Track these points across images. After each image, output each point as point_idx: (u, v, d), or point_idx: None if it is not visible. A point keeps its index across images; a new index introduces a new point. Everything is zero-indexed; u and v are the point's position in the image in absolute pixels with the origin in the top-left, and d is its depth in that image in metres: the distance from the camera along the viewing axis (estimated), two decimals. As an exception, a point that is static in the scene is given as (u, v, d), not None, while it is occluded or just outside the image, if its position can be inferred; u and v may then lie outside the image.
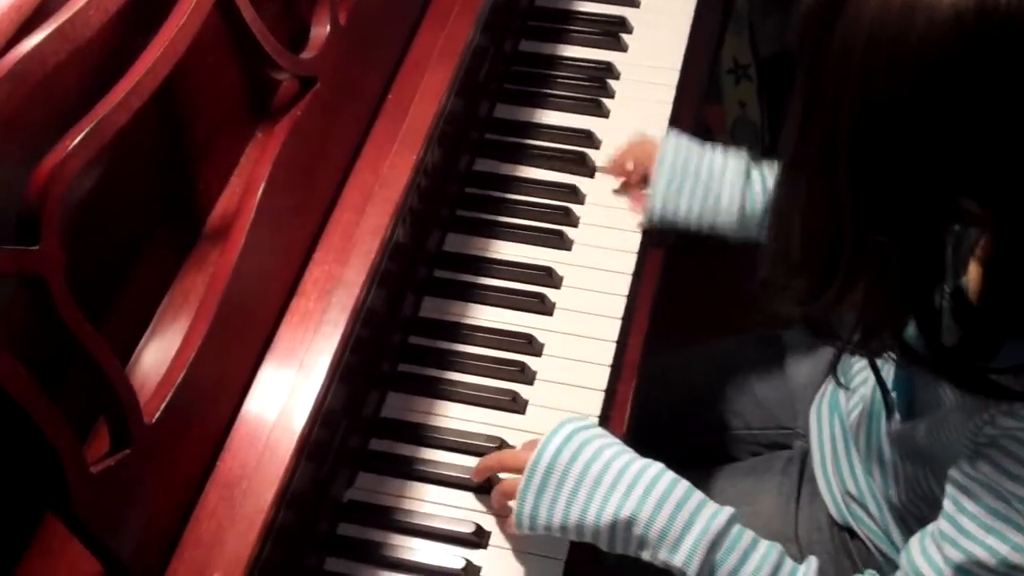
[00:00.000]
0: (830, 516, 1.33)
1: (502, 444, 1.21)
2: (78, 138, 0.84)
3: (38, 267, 0.81)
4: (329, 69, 1.14)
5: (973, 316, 0.94)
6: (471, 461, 1.20)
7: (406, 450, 1.22)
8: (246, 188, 1.07)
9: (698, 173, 1.34)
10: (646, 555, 1.07)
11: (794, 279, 0.95)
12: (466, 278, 1.35)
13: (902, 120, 0.81)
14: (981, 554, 0.96)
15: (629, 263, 1.36)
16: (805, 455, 1.39)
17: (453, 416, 1.25)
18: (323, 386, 1.04)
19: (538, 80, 1.55)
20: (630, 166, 1.42)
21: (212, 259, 1.08)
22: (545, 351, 1.30)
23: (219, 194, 1.13)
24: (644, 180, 1.40)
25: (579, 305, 1.33)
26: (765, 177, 1.35)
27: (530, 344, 1.29)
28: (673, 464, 1.10)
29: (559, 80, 1.54)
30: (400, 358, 1.28)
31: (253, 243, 1.04)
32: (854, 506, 1.30)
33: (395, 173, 1.18)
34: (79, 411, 0.90)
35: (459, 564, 1.14)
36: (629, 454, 1.10)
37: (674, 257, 1.43)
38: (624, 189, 1.43)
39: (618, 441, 1.12)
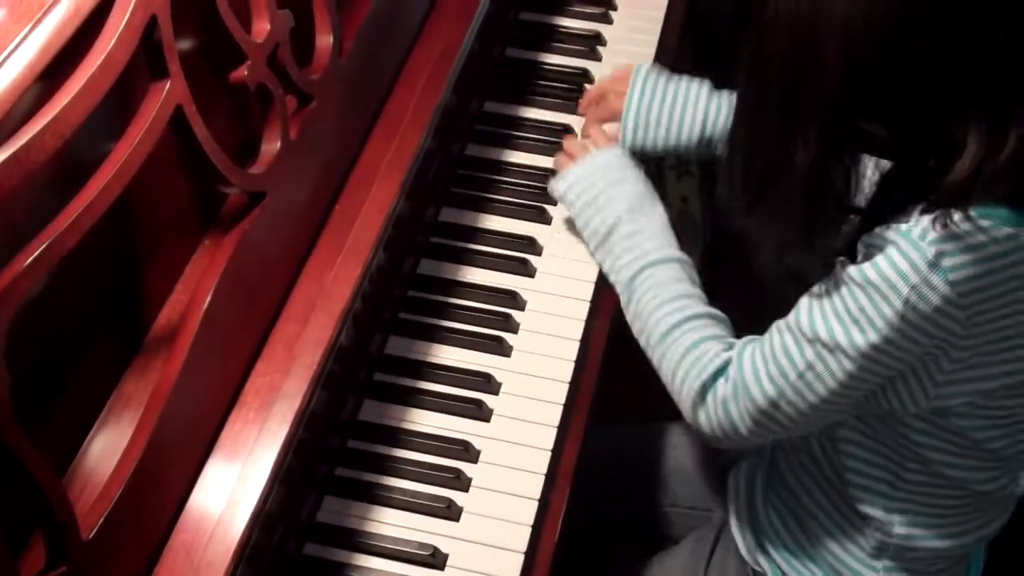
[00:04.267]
0: (741, 568, 1.41)
1: (435, 552, 1.23)
2: (27, 261, 0.86)
3: (-18, 388, 0.82)
4: (278, 184, 1.17)
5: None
6: (404, 568, 1.22)
7: (340, 556, 1.23)
8: (192, 298, 1.09)
9: (663, 106, 1.49)
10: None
11: (740, 195, 1.17)
12: (405, 382, 1.37)
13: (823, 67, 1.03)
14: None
15: (567, 372, 1.39)
16: (722, 525, 1.46)
17: (387, 522, 1.26)
18: (261, 497, 1.06)
19: (484, 184, 1.57)
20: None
21: (155, 366, 1.09)
22: (481, 458, 1.32)
23: (164, 302, 1.14)
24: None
25: (517, 412, 1.36)
26: (732, 102, 1.47)
27: (466, 451, 1.31)
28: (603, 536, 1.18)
29: (504, 186, 1.57)
30: (338, 462, 1.30)
31: (197, 353, 1.06)
32: (768, 531, 1.38)
33: (339, 285, 1.20)
34: (15, 522, 0.91)
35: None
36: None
37: (610, 362, 1.47)
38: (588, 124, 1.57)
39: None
